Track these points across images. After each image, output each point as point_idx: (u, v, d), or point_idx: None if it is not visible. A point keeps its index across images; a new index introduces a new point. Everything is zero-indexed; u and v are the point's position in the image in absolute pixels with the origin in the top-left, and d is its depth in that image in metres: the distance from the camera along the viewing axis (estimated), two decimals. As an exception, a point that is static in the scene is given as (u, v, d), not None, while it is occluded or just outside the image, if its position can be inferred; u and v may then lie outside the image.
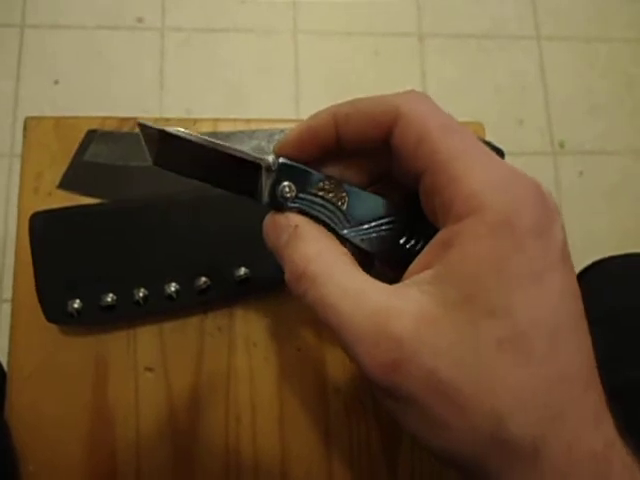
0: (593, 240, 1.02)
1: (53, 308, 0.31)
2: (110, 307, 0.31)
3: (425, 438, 0.18)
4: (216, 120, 0.38)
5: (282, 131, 0.37)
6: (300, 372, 0.33)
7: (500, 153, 0.33)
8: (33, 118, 0.36)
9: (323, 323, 0.20)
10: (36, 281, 0.31)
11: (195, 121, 0.38)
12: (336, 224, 0.22)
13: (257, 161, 0.21)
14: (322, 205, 0.22)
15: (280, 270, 0.22)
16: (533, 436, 0.17)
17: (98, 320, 0.32)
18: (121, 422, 0.32)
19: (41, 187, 0.35)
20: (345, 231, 0.22)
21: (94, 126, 0.36)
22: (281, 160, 0.21)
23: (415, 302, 0.18)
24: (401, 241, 0.23)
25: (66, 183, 0.35)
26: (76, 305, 0.31)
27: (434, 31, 1.13)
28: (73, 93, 1.01)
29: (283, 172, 0.21)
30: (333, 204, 0.22)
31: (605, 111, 1.12)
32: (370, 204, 0.22)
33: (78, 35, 1.04)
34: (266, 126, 0.37)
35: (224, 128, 0.37)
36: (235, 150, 0.21)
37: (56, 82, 1.01)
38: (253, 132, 0.37)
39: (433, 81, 1.10)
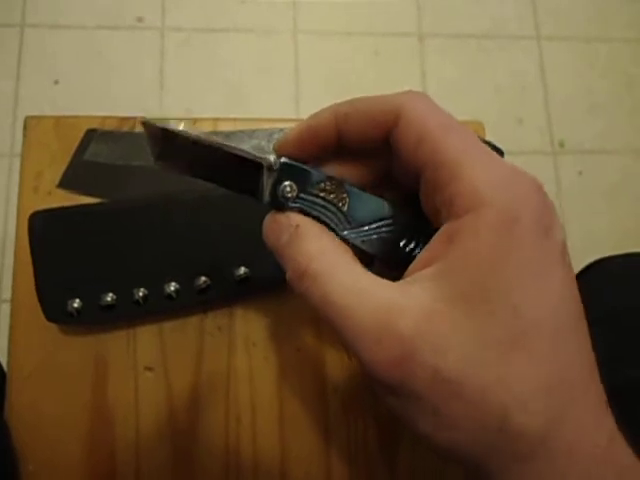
0: (593, 240, 1.02)
1: (53, 308, 0.31)
2: (110, 307, 0.31)
3: (428, 435, 0.18)
4: (216, 119, 0.38)
5: (282, 130, 0.37)
6: (300, 372, 0.33)
7: (499, 152, 0.33)
8: (33, 117, 0.36)
9: (325, 321, 0.20)
10: (36, 281, 0.31)
11: (195, 120, 0.38)
12: (337, 225, 0.22)
13: (259, 160, 0.21)
14: (323, 206, 0.21)
15: (280, 270, 0.22)
16: (538, 432, 0.17)
17: (98, 320, 0.32)
18: (121, 422, 0.32)
19: (41, 186, 0.35)
20: (345, 232, 0.22)
21: (94, 125, 0.36)
22: (283, 160, 0.21)
23: (418, 299, 0.18)
24: (401, 243, 0.23)
25: (66, 182, 0.35)
26: (76, 305, 0.31)
27: (434, 31, 1.13)
28: (73, 93, 1.01)
29: (285, 172, 0.21)
30: (334, 205, 0.22)
31: (605, 111, 1.12)
32: (371, 205, 0.22)
33: (78, 35, 1.04)
34: (266, 125, 0.37)
35: (224, 127, 0.37)
36: (237, 149, 0.21)
37: (56, 82, 1.01)
38: (253, 131, 0.37)
39: (433, 81, 1.10)
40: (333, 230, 0.22)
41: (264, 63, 1.07)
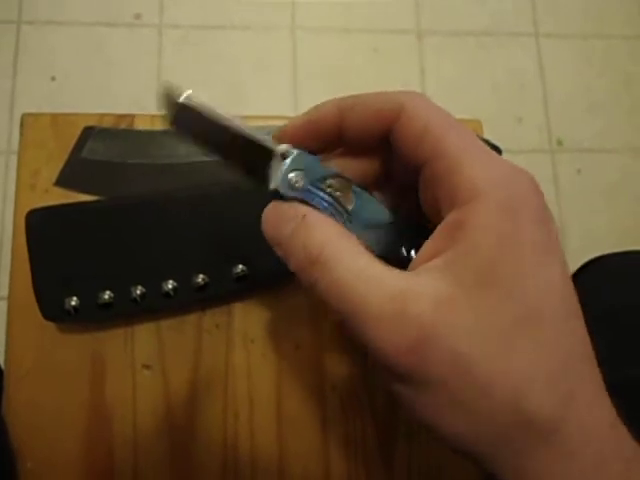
0: (591, 238, 1.02)
1: (50, 306, 0.31)
2: (107, 304, 0.31)
3: (442, 424, 0.18)
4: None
5: (280, 129, 0.37)
6: (298, 369, 0.33)
7: (497, 151, 0.33)
8: (30, 115, 0.36)
9: (332, 309, 0.19)
10: (33, 278, 0.31)
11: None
12: (339, 222, 0.22)
13: (272, 147, 0.21)
14: (328, 202, 0.21)
15: (278, 267, 0.21)
16: (552, 415, 0.17)
17: (95, 317, 0.32)
18: (119, 419, 0.32)
19: (38, 184, 0.34)
20: None
21: (91, 123, 0.36)
22: (295, 149, 0.21)
23: (432, 287, 0.18)
24: (402, 250, 0.23)
25: (63, 180, 0.35)
26: (73, 302, 0.31)
27: (433, 28, 1.12)
28: (70, 90, 1.00)
29: (295, 161, 0.21)
30: (339, 203, 0.21)
31: (603, 109, 1.12)
32: (376, 209, 0.23)
33: (75, 31, 1.04)
34: (264, 123, 0.37)
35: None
36: (252, 133, 0.21)
37: (53, 78, 1.01)
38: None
39: (432, 78, 1.09)
40: None
41: (262, 60, 1.07)
